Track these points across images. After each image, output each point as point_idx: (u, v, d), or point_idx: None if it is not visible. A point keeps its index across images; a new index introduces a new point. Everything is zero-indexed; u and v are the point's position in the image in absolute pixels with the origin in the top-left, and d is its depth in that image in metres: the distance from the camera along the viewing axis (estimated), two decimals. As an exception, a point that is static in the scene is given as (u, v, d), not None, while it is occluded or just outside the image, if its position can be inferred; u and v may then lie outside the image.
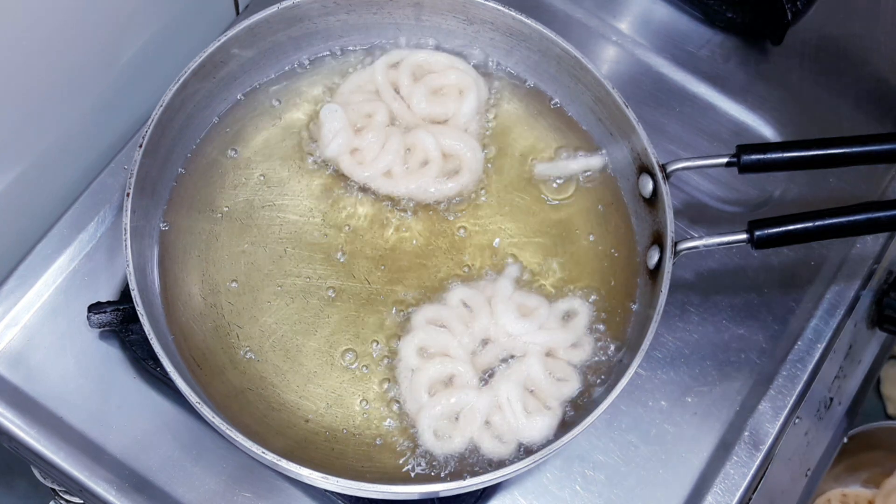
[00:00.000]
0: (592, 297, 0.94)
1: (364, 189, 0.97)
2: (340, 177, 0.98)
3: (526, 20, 0.97)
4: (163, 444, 0.93)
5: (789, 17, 1.13)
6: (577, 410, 0.89)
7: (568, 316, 0.92)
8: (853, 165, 0.92)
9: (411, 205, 0.97)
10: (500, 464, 0.86)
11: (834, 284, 1.05)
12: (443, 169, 0.97)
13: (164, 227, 0.93)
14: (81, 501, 1.06)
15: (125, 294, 0.96)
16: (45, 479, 1.05)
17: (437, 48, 1.02)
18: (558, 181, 0.98)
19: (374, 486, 0.80)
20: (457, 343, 0.90)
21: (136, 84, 1.03)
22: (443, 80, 0.99)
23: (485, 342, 0.91)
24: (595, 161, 0.98)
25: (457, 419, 0.88)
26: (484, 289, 0.93)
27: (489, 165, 0.99)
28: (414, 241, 0.96)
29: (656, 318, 0.86)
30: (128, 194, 0.87)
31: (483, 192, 0.98)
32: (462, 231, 0.97)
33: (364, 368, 0.91)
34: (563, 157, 0.99)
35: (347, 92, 1.00)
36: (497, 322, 0.90)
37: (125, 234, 0.86)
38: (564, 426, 0.88)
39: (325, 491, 0.92)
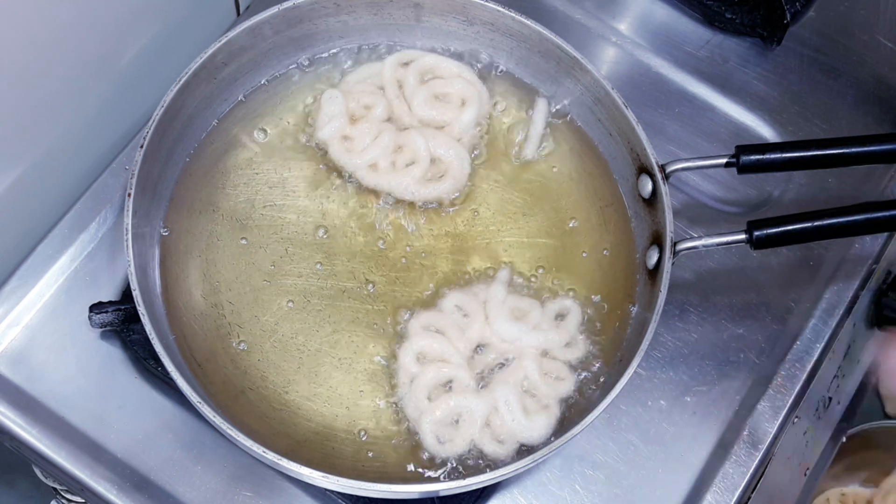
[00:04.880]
0: (592, 297, 0.94)
1: (359, 186, 0.97)
2: (343, 178, 0.98)
3: (526, 21, 0.97)
4: (164, 444, 0.93)
5: (789, 18, 1.13)
6: (576, 410, 0.89)
7: (560, 316, 0.93)
8: (852, 165, 0.92)
9: (413, 206, 0.97)
10: (500, 463, 0.87)
11: (833, 284, 1.06)
12: (428, 172, 0.97)
13: (165, 227, 0.94)
14: (83, 500, 1.06)
15: (126, 294, 0.96)
16: (46, 478, 1.05)
17: (437, 50, 1.02)
18: (542, 150, 1.00)
19: (375, 485, 0.80)
20: (453, 348, 0.90)
21: (137, 85, 1.03)
22: (448, 87, 0.99)
23: (481, 346, 0.91)
24: (542, 106, 1.00)
25: (457, 422, 0.88)
26: (478, 293, 0.93)
27: (485, 166, 1.00)
28: (415, 243, 0.96)
29: (655, 317, 0.86)
30: (129, 195, 0.87)
31: (479, 194, 0.99)
32: (461, 233, 0.97)
33: (365, 368, 0.91)
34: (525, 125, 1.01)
35: (353, 81, 1.00)
36: (492, 326, 0.91)
37: (126, 234, 0.86)
38: (563, 426, 0.89)
39: (326, 490, 0.93)
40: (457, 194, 0.98)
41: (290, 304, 0.93)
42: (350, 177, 0.98)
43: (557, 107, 1.01)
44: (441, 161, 0.98)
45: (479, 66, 1.02)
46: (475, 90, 1.00)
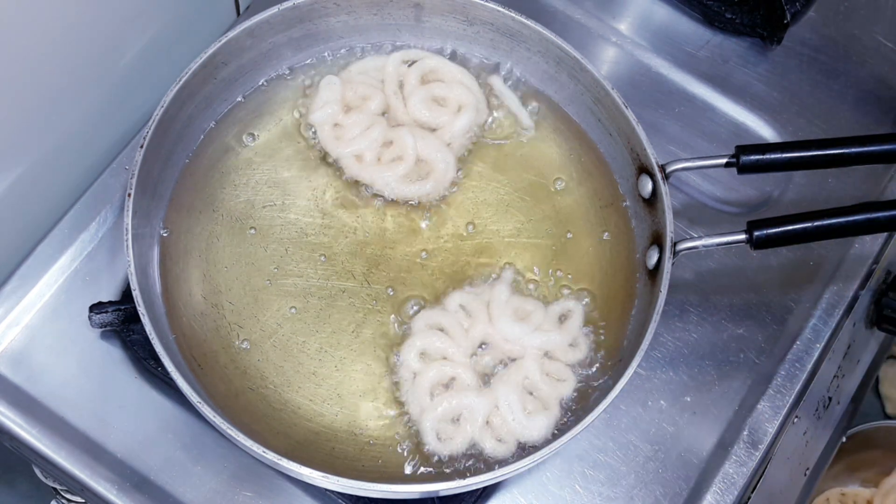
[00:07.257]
0: (592, 297, 0.94)
1: (359, 186, 0.97)
2: (343, 178, 0.98)
3: (526, 21, 0.97)
4: (164, 444, 0.93)
5: (789, 18, 1.13)
6: (576, 410, 0.90)
7: (563, 317, 0.93)
8: (852, 165, 0.92)
9: (416, 207, 0.97)
10: (501, 463, 0.87)
11: (832, 284, 1.06)
12: (412, 171, 0.97)
13: (165, 227, 0.94)
14: (83, 500, 1.06)
15: (126, 294, 0.96)
16: (46, 478, 1.05)
17: (437, 50, 1.02)
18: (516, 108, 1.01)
19: (375, 485, 0.81)
20: (456, 347, 0.90)
21: (137, 85, 1.03)
22: (447, 91, 0.99)
23: (483, 345, 0.91)
24: (497, 82, 1.01)
25: (458, 421, 0.88)
26: (481, 293, 0.93)
27: (486, 167, 1.00)
28: (416, 243, 0.96)
29: (655, 317, 0.86)
30: (129, 195, 0.87)
31: (480, 195, 0.99)
32: (463, 234, 0.97)
33: (366, 368, 0.91)
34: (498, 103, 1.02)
35: (355, 71, 1.01)
36: (494, 326, 0.91)
37: (126, 234, 0.86)
38: (564, 426, 0.89)
39: (326, 490, 0.93)
40: (437, 197, 0.98)
41: (291, 305, 0.93)
42: (337, 163, 0.98)
43: (556, 101, 1.01)
44: (426, 162, 0.98)
45: (477, 65, 1.02)
46: (473, 97, 1.00)
